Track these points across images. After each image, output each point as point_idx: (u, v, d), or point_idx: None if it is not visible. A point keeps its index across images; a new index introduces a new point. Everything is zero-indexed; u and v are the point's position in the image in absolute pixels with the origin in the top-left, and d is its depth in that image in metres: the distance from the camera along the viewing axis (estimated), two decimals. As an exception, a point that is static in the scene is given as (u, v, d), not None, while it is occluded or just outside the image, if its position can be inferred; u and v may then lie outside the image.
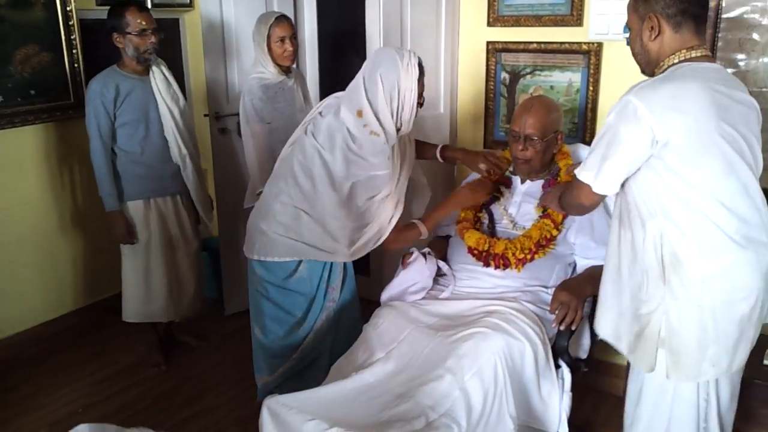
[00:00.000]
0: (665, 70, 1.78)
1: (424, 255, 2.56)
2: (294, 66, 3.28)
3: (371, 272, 3.97)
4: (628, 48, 2.08)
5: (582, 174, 1.82)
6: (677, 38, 1.77)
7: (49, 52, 3.35)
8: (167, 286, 3.21)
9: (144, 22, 2.94)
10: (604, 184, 1.79)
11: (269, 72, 3.12)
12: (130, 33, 2.92)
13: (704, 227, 1.72)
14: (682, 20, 1.76)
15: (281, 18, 3.12)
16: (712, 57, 1.82)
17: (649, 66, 1.85)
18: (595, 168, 1.77)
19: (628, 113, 1.69)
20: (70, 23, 3.37)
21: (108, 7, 2.94)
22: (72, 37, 3.39)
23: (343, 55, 3.91)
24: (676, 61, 1.77)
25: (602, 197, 1.86)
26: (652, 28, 1.78)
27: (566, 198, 2.03)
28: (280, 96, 3.15)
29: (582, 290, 2.32)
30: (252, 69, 3.19)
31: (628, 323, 1.90)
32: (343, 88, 3.73)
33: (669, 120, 1.67)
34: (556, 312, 2.26)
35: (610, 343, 1.98)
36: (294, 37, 3.14)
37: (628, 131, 1.70)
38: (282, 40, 3.08)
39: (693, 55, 1.76)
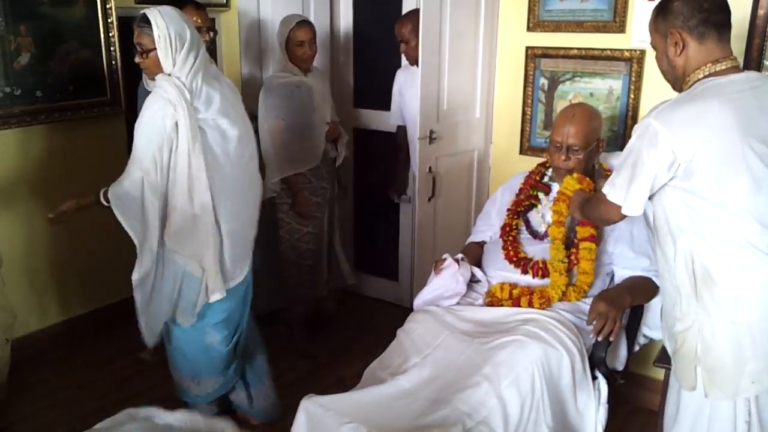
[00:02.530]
0: (691, 85, 1.77)
1: (456, 261, 2.53)
2: (315, 66, 3.38)
3: (400, 277, 3.95)
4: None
5: (612, 194, 1.82)
6: (702, 50, 1.75)
7: (88, 49, 3.37)
8: None
9: (199, 20, 3.00)
10: (633, 205, 1.79)
11: (287, 71, 3.26)
12: None
13: (735, 243, 1.70)
14: (705, 30, 1.74)
15: (302, 22, 3.25)
16: (739, 67, 1.79)
17: (678, 82, 1.84)
18: (624, 189, 1.78)
19: (650, 136, 1.70)
20: (110, 21, 3.39)
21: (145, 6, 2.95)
22: (111, 35, 3.41)
23: (378, 57, 3.89)
24: (701, 76, 1.75)
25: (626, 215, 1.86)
26: (676, 43, 1.77)
27: (593, 213, 2.06)
28: (296, 95, 3.26)
29: (621, 301, 2.27)
30: (276, 69, 3.35)
31: (667, 341, 1.91)
32: (379, 90, 3.76)
33: (690, 141, 1.66)
34: (594, 323, 2.22)
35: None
36: (313, 41, 3.26)
37: (650, 154, 1.70)
38: (301, 44, 3.22)
39: (718, 68, 1.74)
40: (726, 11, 1.78)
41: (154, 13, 2.29)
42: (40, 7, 3.14)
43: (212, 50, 3.12)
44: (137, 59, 2.39)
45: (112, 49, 3.44)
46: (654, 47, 1.87)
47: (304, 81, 3.30)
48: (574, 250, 2.41)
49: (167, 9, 2.34)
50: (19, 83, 3.12)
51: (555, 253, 2.39)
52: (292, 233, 3.42)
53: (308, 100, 3.30)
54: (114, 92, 3.49)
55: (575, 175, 2.38)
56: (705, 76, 1.75)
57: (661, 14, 1.80)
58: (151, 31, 2.29)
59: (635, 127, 1.79)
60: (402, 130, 3.64)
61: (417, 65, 3.41)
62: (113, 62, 3.46)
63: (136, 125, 2.33)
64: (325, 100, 3.40)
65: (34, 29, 3.13)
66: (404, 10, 3.37)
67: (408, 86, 3.55)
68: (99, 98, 3.46)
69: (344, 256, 3.78)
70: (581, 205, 2.20)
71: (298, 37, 3.21)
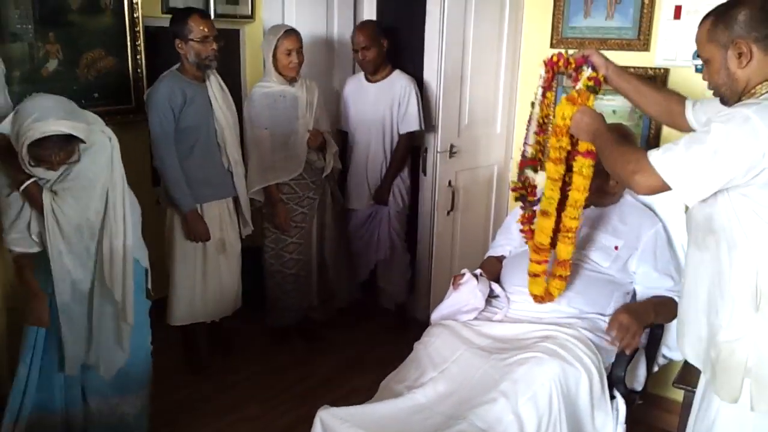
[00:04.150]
0: (759, 97, 1.65)
1: (475, 276, 2.52)
2: (302, 76, 3.39)
3: (416, 291, 3.94)
4: (698, 75, 1.97)
5: (664, 166, 1.63)
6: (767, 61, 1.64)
7: (114, 57, 3.41)
8: (218, 287, 3.26)
9: (206, 29, 2.98)
10: (695, 193, 1.63)
11: (272, 81, 3.30)
12: (192, 40, 2.96)
13: None
14: None
15: (290, 32, 3.29)
16: None
17: (735, 96, 1.70)
18: (689, 170, 1.61)
19: (748, 129, 1.56)
20: (136, 29, 3.43)
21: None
22: (137, 43, 3.45)
23: (403, 61, 3.88)
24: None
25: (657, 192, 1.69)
26: (740, 54, 1.65)
27: (613, 159, 1.81)
28: (280, 104, 3.30)
29: (645, 316, 2.25)
30: (262, 79, 3.37)
31: (704, 349, 1.79)
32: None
33: None
34: (613, 333, 2.19)
35: (698, 367, 1.87)
36: (300, 50, 3.30)
37: (743, 147, 1.56)
38: (289, 52, 3.25)
39: None
40: None
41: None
42: (69, 14, 3.18)
43: (220, 62, 3.12)
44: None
45: (138, 57, 3.48)
46: (707, 60, 1.72)
47: (288, 90, 3.32)
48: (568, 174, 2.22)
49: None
50: (46, 89, 3.13)
51: (549, 193, 2.22)
52: (277, 242, 3.45)
53: (292, 109, 3.32)
54: (139, 100, 3.52)
55: (563, 98, 2.09)
56: None
57: (721, 24, 1.66)
58: None
59: (725, 113, 1.62)
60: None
61: (371, 75, 3.59)
62: (138, 70, 3.50)
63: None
64: (311, 110, 3.40)
65: (62, 36, 3.17)
66: (429, 14, 3.37)
67: (356, 97, 3.65)
68: (124, 105, 3.49)
69: (338, 270, 3.77)
70: (595, 133, 1.95)
71: (286, 46, 3.23)
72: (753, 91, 1.68)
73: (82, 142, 2.22)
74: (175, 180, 3.01)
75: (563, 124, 2.07)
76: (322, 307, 3.73)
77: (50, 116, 2.10)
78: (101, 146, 2.34)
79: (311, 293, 3.63)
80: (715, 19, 1.69)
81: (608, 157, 1.86)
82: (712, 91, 1.77)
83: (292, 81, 3.33)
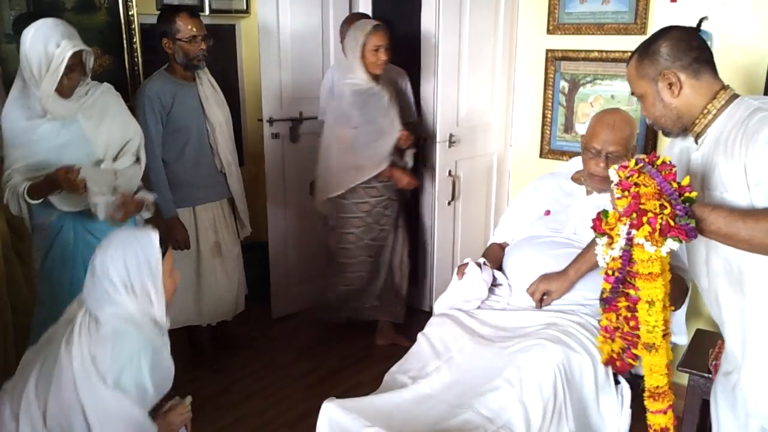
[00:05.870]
0: (717, 113, 1.65)
1: (479, 265, 2.52)
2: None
3: (419, 281, 3.95)
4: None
5: None
6: (702, 85, 1.67)
7: (111, 55, 3.41)
8: (214, 291, 3.21)
9: (195, 29, 2.91)
10: None
11: (360, 78, 3.16)
12: (180, 39, 2.90)
13: None
14: (699, 66, 1.67)
15: (378, 27, 3.16)
16: None
17: (679, 122, 1.71)
18: None
19: None
20: (132, 27, 3.43)
21: (170, 12, 2.99)
22: (133, 41, 3.45)
23: (398, 56, 3.87)
24: (723, 102, 1.65)
25: None
26: (670, 84, 1.68)
27: (753, 228, 1.52)
28: (371, 102, 3.18)
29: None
30: (343, 75, 3.23)
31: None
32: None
33: None
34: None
35: None
36: (388, 47, 3.17)
37: None
38: (377, 49, 3.13)
39: (731, 93, 1.67)
40: (709, 48, 1.73)
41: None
42: (64, 13, 3.18)
43: (216, 57, 3.11)
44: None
45: (134, 55, 3.48)
46: (641, 95, 1.76)
47: (378, 88, 3.21)
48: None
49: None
50: (43, 89, 3.16)
51: (650, 319, 1.70)
52: (364, 233, 3.34)
53: (381, 107, 3.21)
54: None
55: (636, 245, 1.58)
56: (728, 101, 1.65)
57: (647, 59, 1.71)
58: None
59: None
60: None
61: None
62: (135, 68, 3.50)
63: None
64: (394, 106, 3.29)
65: (58, 36, 3.17)
66: (424, 3, 3.33)
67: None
68: (121, 104, 3.49)
69: (402, 271, 3.59)
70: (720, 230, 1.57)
71: (375, 43, 3.12)
72: (705, 112, 1.68)
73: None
74: (157, 185, 2.93)
75: (649, 273, 1.62)
76: (386, 308, 3.58)
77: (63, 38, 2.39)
78: (108, 89, 2.59)
79: (373, 293, 3.52)
80: (640, 55, 1.74)
81: (745, 240, 1.55)
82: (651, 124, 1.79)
83: (376, 78, 3.22)
